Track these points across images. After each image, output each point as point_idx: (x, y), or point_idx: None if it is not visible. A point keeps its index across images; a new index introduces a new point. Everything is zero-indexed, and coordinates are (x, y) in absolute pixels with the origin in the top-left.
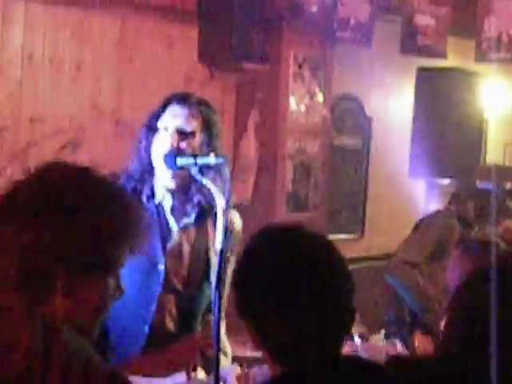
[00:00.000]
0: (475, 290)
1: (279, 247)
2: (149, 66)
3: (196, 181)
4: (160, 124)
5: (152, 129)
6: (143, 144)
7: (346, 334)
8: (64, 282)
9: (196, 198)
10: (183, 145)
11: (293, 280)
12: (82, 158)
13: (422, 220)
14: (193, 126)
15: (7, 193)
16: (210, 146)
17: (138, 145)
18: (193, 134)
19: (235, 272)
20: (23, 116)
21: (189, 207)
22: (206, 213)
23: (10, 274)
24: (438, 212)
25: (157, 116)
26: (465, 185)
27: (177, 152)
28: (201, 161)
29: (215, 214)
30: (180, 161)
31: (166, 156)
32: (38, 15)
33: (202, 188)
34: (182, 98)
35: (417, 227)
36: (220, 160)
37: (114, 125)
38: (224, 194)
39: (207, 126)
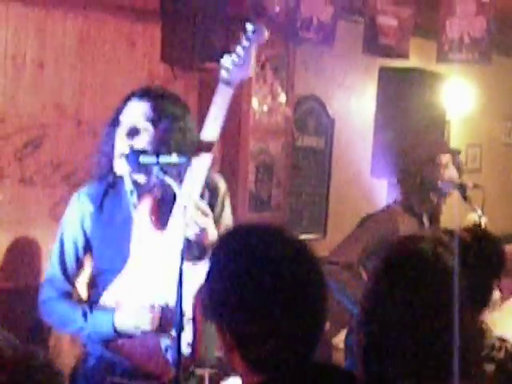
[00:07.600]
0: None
1: (248, 248)
2: (111, 66)
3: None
4: (121, 119)
5: (114, 124)
6: (105, 140)
7: (320, 334)
8: None
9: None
10: (135, 143)
11: (263, 282)
12: (43, 157)
13: (363, 218)
14: (147, 123)
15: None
16: (171, 140)
17: (102, 141)
18: (146, 130)
19: (206, 274)
20: None
21: None
22: None
23: None
24: (382, 208)
25: (119, 111)
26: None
27: (140, 151)
28: (163, 160)
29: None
30: (142, 159)
31: (128, 155)
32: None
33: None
34: (142, 93)
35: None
36: (182, 159)
37: (76, 124)
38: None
39: (169, 121)
